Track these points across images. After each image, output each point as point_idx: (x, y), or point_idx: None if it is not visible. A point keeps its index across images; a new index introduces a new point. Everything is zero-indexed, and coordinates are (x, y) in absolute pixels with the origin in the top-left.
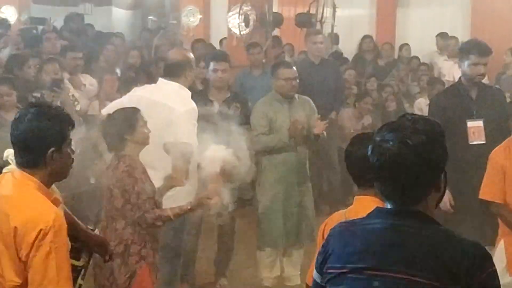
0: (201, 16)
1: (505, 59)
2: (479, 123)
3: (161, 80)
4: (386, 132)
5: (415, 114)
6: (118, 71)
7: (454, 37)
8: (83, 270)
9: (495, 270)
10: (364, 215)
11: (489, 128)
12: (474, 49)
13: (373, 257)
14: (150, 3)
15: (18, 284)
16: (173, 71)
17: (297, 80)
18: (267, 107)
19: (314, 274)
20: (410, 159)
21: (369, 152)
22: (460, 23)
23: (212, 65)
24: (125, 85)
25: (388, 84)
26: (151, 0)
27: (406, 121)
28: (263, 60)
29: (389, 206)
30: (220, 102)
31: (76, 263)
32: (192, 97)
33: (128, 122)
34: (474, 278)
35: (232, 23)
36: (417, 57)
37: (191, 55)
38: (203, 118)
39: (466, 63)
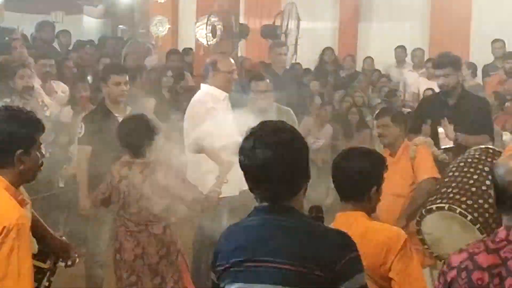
0: (169, 26)
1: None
2: (450, 128)
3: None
4: (254, 138)
5: (274, 120)
6: (89, 78)
7: (420, 49)
8: (48, 273)
9: (357, 256)
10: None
11: (468, 133)
12: (433, 63)
13: (249, 251)
14: (120, 12)
15: None
16: (204, 74)
17: (270, 92)
18: (243, 118)
19: (211, 274)
20: (282, 160)
21: (241, 160)
22: (419, 37)
23: (113, 78)
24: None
25: (349, 95)
26: (121, 10)
27: (267, 127)
28: None
29: (265, 204)
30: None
31: (42, 265)
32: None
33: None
34: (337, 264)
35: (199, 33)
36: (378, 70)
37: (219, 57)
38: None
39: (435, 76)
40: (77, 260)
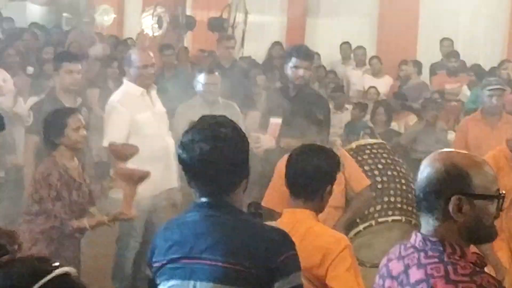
0: (115, 16)
1: (407, 69)
2: (278, 121)
3: None
4: (193, 132)
5: (215, 114)
6: (31, 67)
7: (362, 47)
8: None
9: (294, 254)
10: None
11: (301, 129)
12: (296, 52)
13: (185, 247)
14: (65, 0)
15: None
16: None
17: (218, 85)
18: (189, 110)
19: (146, 269)
20: (220, 154)
21: (180, 153)
22: (367, 34)
23: (65, 66)
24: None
25: None
26: None
27: (207, 121)
28: (175, 62)
29: (203, 199)
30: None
31: None
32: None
33: (57, 126)
34: (273, 260)
35: (145, 24)
36: (322, 66)
37: (134, 51)
38: None
39: (288, 65)
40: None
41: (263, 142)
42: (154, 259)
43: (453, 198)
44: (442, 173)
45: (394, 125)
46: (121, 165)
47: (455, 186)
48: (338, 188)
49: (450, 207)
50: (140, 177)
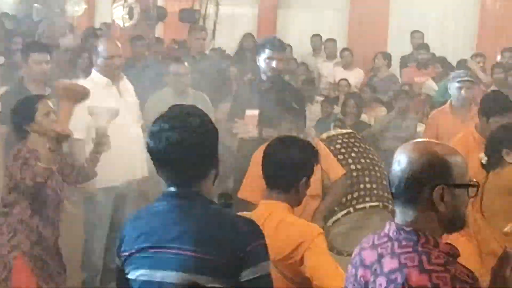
0: (85, 6)
1: (377, 62)
2: (255, 112)
3: None
4: (162, 121)
5: (184, 104)
6: (1, 57)
7: (332, 39)
8: None
9: (263, 244)
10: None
11: (277, 119)
12: (269, 44)
13: (154, 237)
14: None
15: None
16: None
17: (188, 76)
18: (159, 101)
19: (115, 259)
20: (187, 143)
21: (148, 142)
22: (338, 26)
23: (34, 56)
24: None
25: None
26: None
27: (178, 109)
28: (146, 53)
29: (172, 189)
30: None
31: None
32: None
33: (27, 112)
34: (241, 250)
35: (116, 14)
36: (294, 58)
37: (101, 41)
38: None
39: (261, 57)
40: None
41: (249, 129)
42: (122, 249)
43: (437, 188)
44: (425, 163)
45: (364, 118)
46: (69, 105)
47: (438, 176)
48: (314, 177)
49: (435, 197)
50: (80, 93)
